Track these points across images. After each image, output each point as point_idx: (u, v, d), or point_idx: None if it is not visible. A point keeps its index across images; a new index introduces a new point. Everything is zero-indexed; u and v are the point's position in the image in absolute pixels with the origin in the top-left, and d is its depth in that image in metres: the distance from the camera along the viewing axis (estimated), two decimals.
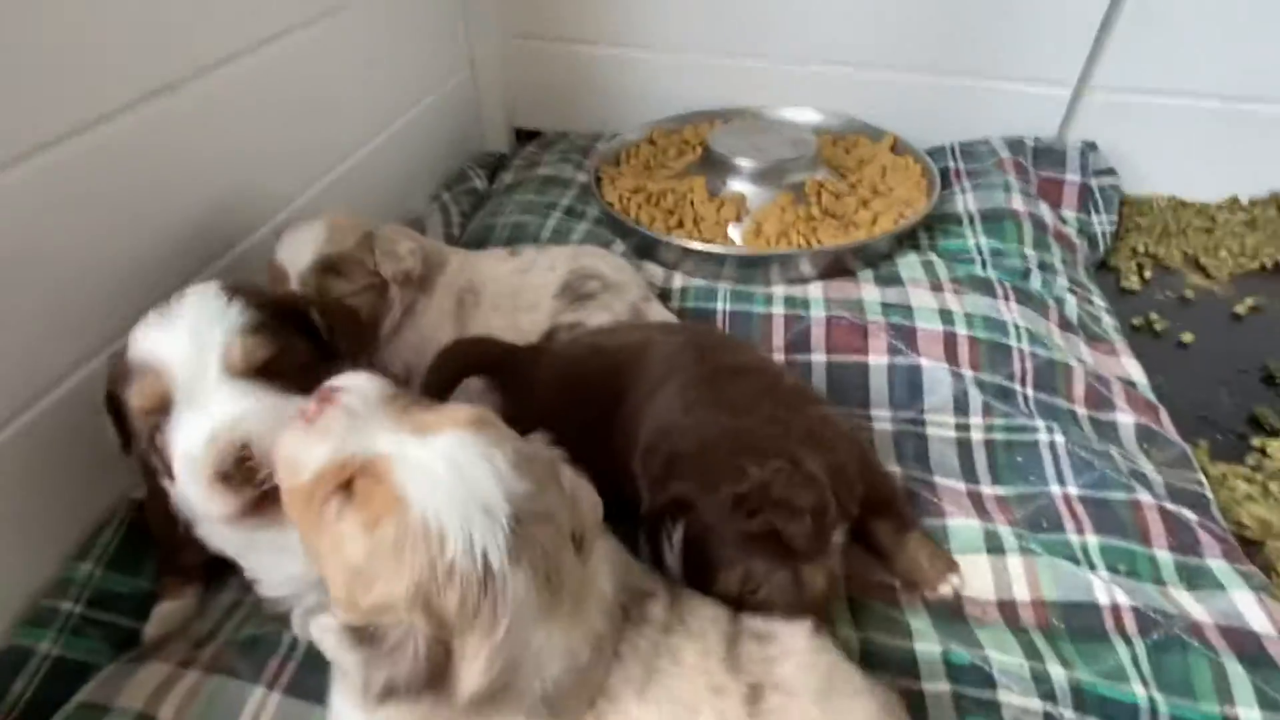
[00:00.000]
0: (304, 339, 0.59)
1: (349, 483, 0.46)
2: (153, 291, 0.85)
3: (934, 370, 0.96)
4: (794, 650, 0.54)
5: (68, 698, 0.69)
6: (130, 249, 0.82)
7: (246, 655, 0.70)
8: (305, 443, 0.47)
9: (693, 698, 0.51)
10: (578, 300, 0.94)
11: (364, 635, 0.44)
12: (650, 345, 0.77)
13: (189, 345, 0.54)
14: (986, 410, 0.94)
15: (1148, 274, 1.31)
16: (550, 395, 0.78)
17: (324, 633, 0.46)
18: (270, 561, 0.64)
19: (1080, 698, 0.66)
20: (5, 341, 0.70)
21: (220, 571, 0.82)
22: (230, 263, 0.95)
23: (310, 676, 0.68)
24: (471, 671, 0.44)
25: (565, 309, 0.93)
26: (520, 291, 0.95)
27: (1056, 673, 0.68)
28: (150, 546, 0.82)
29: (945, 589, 0.76)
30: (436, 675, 0.44)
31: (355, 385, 0.49)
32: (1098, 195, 1.35)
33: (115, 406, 0.57)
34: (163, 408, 0.54)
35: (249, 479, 0.53)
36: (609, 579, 0.53)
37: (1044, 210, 1.27)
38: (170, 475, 0.55)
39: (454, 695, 0.45)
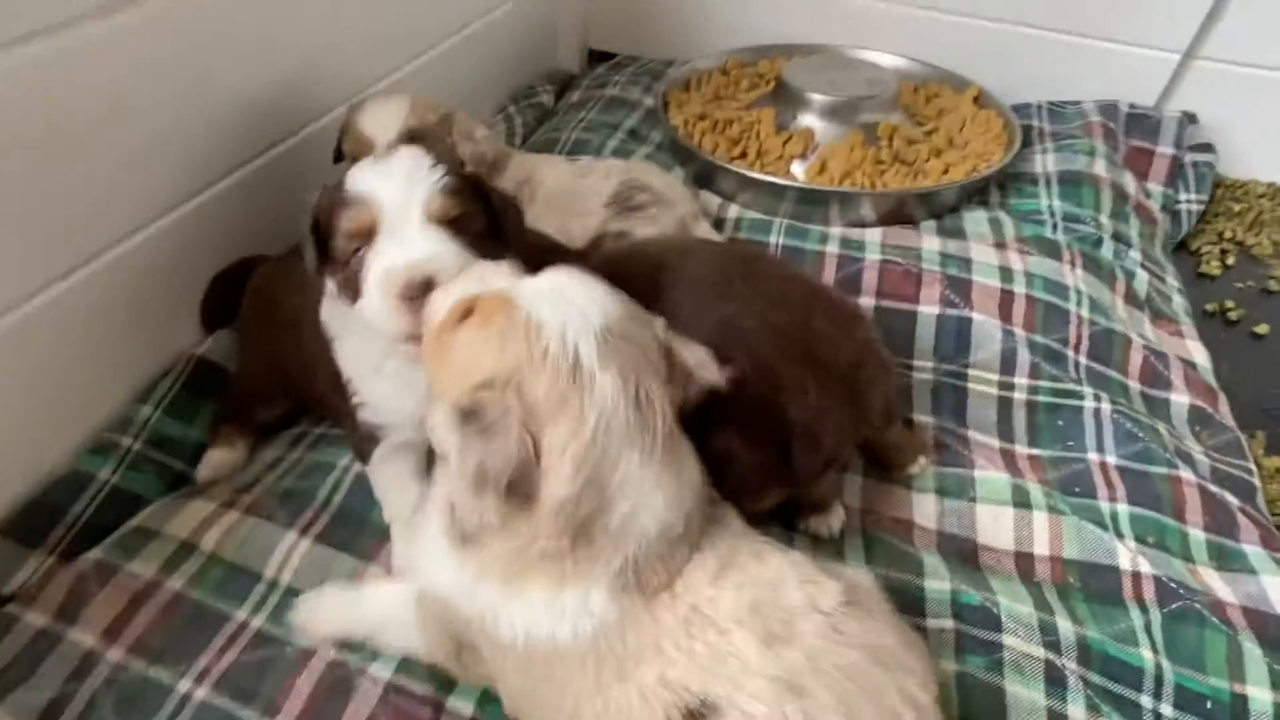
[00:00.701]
0: (483, 213, 0.66)
1: (471, 310, 0.52)
2: (228, 158, 0.89)
3: (985, 325, 0.94)
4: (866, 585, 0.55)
5: (120, 524, 0.75)
6: (208, 116, 0.85)
7: (284, 504, 0.75)
8: (447, 293, 0.55)
9: (777, 577, 0.50)
10: (627, 210, 0.94)
11: (466, 414, 0.47)
12: (692, 250, 0.77)
13: (400, 190, 0.62)
14: (1034, 371, 0.91)
15: (1230, 261, 1.24)
16: None
17: (434, 419, 0.48)
18: (387, 390, 0.70)
19: (1085, 653, 0.66)
20: (89, 188, 0.74)
21: (269, 431, 0.88)
22: (299, 141, 0.97)
23: (339, 529, 0.73)
24: (559, 473, 0.46)
25: (614, 217, 0.94)
26: (574, 195, 0.95)
27: (1064, 627, 0.68)
28: (204, 401, 0.87)
29: (914, 468, 0.80)
30: (527, 469, 0.46)
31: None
32: (1189, 171, 1.27)
33: (319, 231, 0.65)
34: (368, 235, 0.62)
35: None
36: (696, 466, 0.54)
37: (1128, 180, 1.20)
38: (354, 295, 0.63)
39: (540, 504, 0.46)
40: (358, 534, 0.72)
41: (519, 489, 0.46)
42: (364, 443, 0.73)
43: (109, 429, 0.81)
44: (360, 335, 0.69)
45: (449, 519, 0.51)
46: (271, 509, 0.74)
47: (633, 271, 0.67)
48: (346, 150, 0.92)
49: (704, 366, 0.55)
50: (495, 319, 0.49)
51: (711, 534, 0.53)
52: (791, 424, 0.64)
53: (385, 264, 0.61)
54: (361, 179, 0.64)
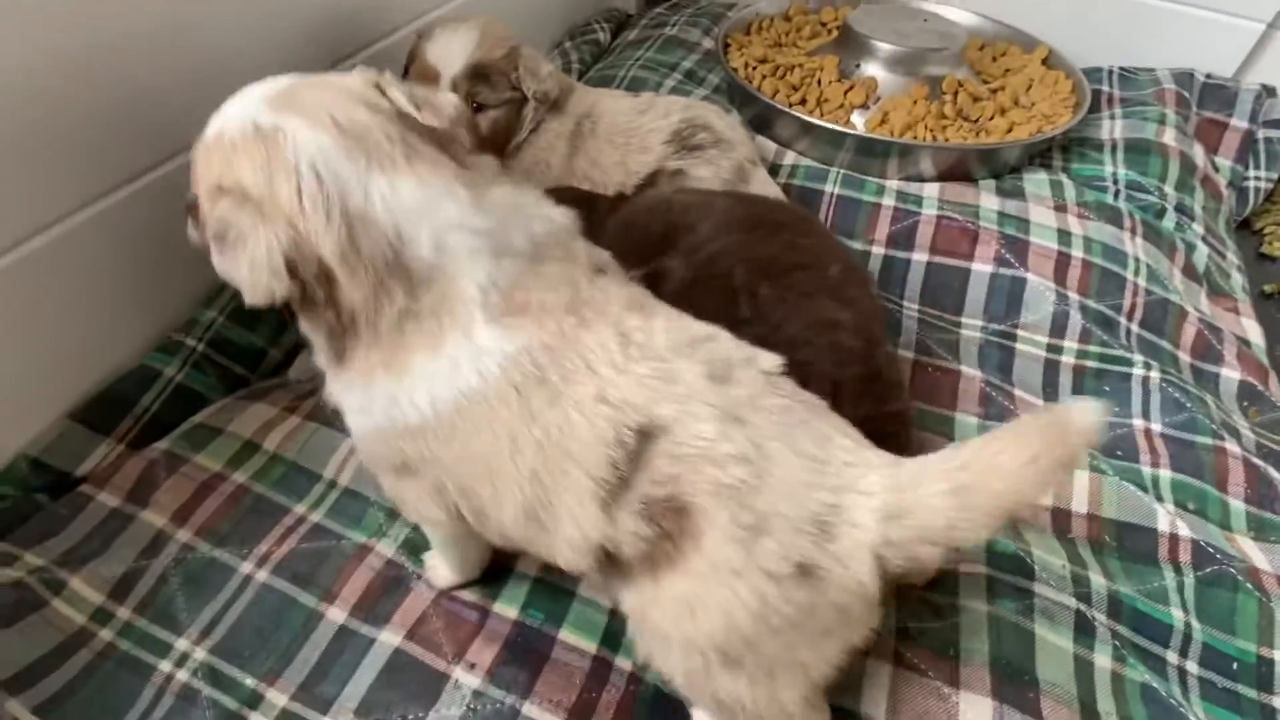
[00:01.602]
0: None
1: None
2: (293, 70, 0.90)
3: (1038, 287, 0.93)
4: None
5: (184, 420, 0.79)
6: (272, 30, 0.85)
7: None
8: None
9: (712, 332, 0.51)
10: (685, 150, 0.93)
11: (215, 238, 0.46)
12: (711, 207, 0.75)
13: None
14: (1084, 335, 0.91)
15: None
16: (611, 241, 0.78)
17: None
18: None
19: (1116, 607, 0.67)
20: (161, 94, 0.75)
21: None
22: (364, 59, 0.98)
23: None
24: (317, 228, 0.45)
25: (672, 155, 0.93)
26: (634, 130, 0.94)
27: (1097, 581, 0.69)
28: (264, 310, 0.89)
29: None
30: (293, 250, 0.45)
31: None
32: (1261, 147, 1.23)
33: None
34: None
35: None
36: (506, 185, 0.51)
37: (1197, 152, 1.17)
38: None
39: (338, 274, 0.45)
40: None
41: (302, 270, 0.45)
42: None
43: (175, 330, 0.84)
44: None
45: (316, 350, 0.51)
46: (330, 415, 0.77)
47: (649, 228, 0.66)
48: (412, 79, 0.92)
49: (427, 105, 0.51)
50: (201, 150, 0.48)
51: (609, 277, 0.52)
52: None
53: None
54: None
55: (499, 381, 0.46)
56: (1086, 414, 0.43)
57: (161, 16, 0.73)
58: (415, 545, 0.68)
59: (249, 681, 0.61)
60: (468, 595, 0.66)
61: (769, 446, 0.46)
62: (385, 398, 0.48)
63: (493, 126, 0.93)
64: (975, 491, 0.44)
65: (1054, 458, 0.43)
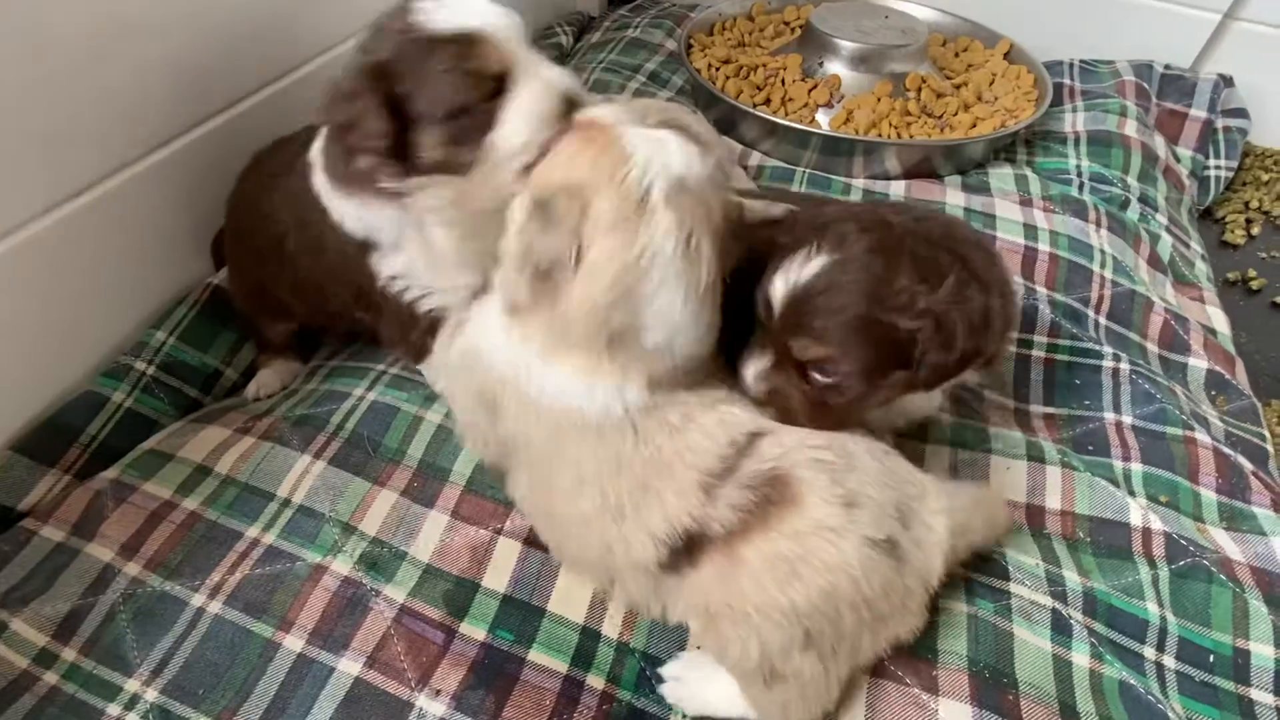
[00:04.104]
0: None
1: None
2: (247, 80, 0.87)
3: None
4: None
5: (134, 446, 0.76)
6: (220, 36, 0.82)
7: (298, 429, 0.75)
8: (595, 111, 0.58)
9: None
10: None
11: (538, 204, 0.53)
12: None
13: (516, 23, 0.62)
14: (1054, 329, 0.90)
15: (1255, 230, 1.22)
16: None
17: (515, 205, 0.55)
18: (449, 272, 0.69)
19: (1091, 604, 0.67)
20: (100, 106, 0.72)
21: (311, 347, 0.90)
22: (319, 67, 0.95)
23: (353, 452, 0.73)
24: (597, 280, 0.52)
25: None
26: None
27: (1072, 578, 0.68)
28: (220, 329, 0.87)
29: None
30: (561, 264, 0.52)
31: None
32: (1221, 137, 1.24)
33: (388, 88, 0.62)
34: (505, 73, 0.60)
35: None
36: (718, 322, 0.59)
37: (1158, 143, 1.18)
38: (477, 140, 0.60)
39: (571, 300, 0.53)
40: (370, 458, 0.73)
41: (550, 276, 0.53)
42: (422, 336, 0.73)
43: (123, 353, 0.81)
44: (436, 220, 0.66)
45: (502, 291, 0.57)
46: (285, 434, 0.74)
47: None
48: None
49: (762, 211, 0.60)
50: (598, 140, 0.54)
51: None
52: (921, 312, 0.56)
53: (546, 80, 0.60)
54: (460, 12, 0.58)
55: (615, 420, 0.56)
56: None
57: (105, 24, 0.70)
58: (372, 559, 0.66)
59: None
60: (433, 613, 0.64)
61: (852, 448, 0.56)
62: (524, 362, 0.57)
63: None
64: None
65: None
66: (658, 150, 0.53)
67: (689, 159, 0.55)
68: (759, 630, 0.53)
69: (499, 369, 0.58)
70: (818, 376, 0.59)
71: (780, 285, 0.59)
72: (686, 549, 0.55)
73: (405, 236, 0.68)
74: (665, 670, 0.62)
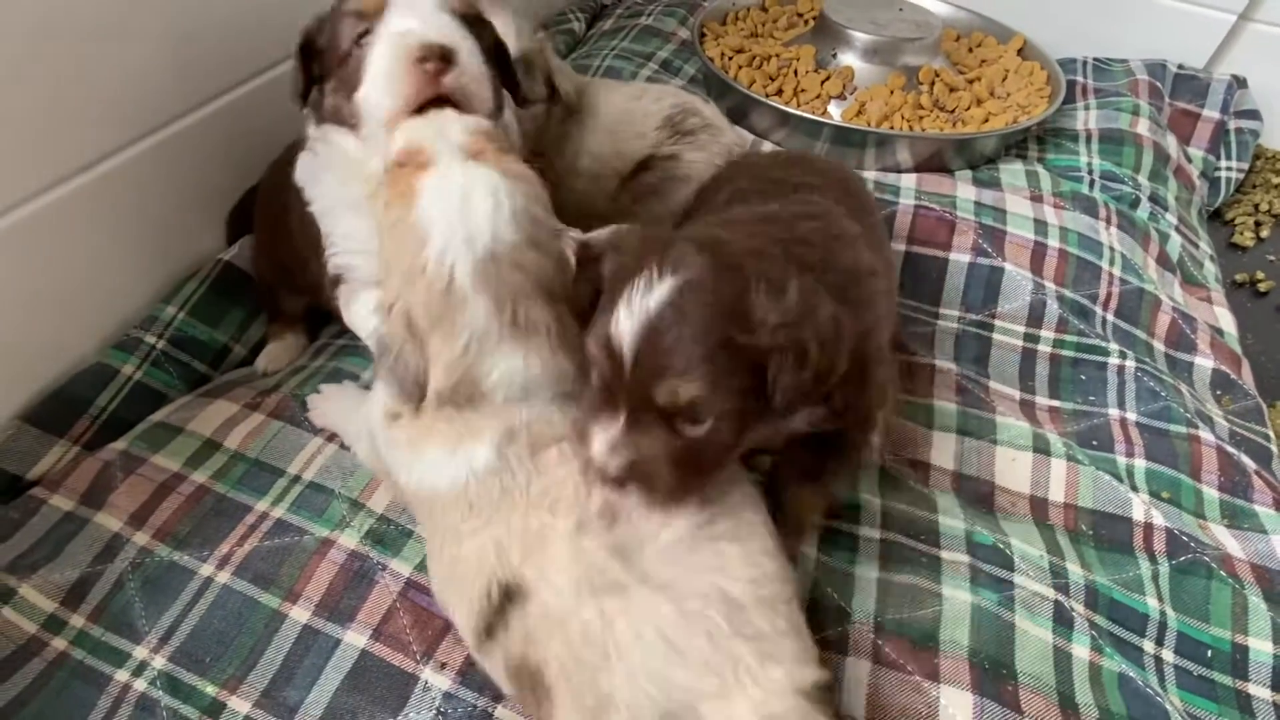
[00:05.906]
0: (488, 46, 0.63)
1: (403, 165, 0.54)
2: (258, 59, 0.87)
3: (1015, 276, 0.93)
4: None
5: (143, 418, 0.76)
6: (231, 15, 0.82)
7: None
8: (411, 125, 0.55)
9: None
10: (678, 135, 0.92)
11: (380, 350, 0.54)
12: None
13: None
14: (1061, 325, 0.90)
15: (1264, 233, 1.22)
16: None
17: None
18: (358, 227, 0.66)
19: (1093, 597, 0.67)
20: (112, 80, 0.72)
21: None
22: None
23: None
24: (436, 373, 0.52)
25: (665, 141, 0.92)
26: (630, 116, 0.93)
27: (1074, 571, 0.68)
28: (230, 305, 0.87)
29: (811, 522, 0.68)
30: (424, 376, 0.53)
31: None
32: (1233, 138, 1.24)
33: (308, 50, 0.63)
34: (376, 12, 0.58)
35: (433, 80, 0.57)
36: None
37: (1170, 142, 1.18)
38: (351, 89, 0.59)
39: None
40: None
41: (422, 388, 0.54)
42: (333, 287, 0.71)
43: (133, 326, 0.81)
44: (337, 168, 0.65)
45: (387, 401, 0.58)
46: (296, 414, 0.75)
47: None
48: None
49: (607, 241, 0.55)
50: (396, 205, 0.53)
51: None
52: (776, 328, 0.47)
53: (400, 27, 0.56)
54: None
55: (459, 490, 0.55)
56: None
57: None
58: (379, 535, 0.66)
59: (209, 689, 0.58)
60: None
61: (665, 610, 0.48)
62: (401, 461, 0.59)
63: (533, 124, 0.86)
64: None
65: None
66: (457, 218, 0.50)
67: (493, 219, 0.51)
68: None
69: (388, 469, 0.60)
70: (688, 427, 0.48)
71: (626, 321, 0.47)
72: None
73: (316, 179, 0.68)
74: None
